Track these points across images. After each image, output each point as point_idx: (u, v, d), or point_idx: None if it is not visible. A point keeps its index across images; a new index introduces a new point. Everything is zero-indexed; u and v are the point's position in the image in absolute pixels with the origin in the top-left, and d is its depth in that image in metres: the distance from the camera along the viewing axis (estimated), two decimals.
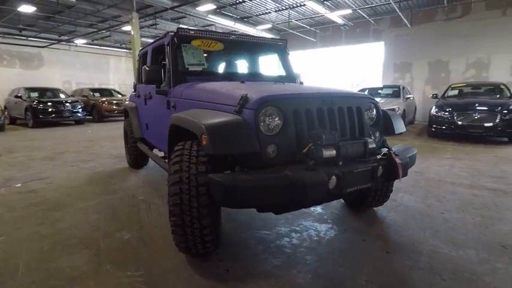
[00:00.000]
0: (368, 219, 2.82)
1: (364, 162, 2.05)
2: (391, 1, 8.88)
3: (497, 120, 6.40)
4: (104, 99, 13.21)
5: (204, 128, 1.75)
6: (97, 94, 14.01)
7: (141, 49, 4.36)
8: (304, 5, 10.13)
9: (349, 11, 11.02)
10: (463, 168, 4.62)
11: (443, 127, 7.09)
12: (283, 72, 3.67)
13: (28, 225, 2.72)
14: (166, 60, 2.99)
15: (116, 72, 18.66)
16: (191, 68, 3.08)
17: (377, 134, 2.44)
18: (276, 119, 1.94)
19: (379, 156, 2.16)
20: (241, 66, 3.82)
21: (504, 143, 6.81)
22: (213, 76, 3.20)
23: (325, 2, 10.58)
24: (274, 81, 3.44)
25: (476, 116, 6.65)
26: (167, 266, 2.05)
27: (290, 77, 3.59)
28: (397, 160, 2.13)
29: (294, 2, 10.59)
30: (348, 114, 2.24)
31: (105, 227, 2.69)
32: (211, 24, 13.51)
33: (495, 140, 7.15)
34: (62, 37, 15.08)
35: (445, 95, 8.44)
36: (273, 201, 1.74)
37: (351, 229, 2.61)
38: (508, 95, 7.63)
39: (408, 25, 11.51)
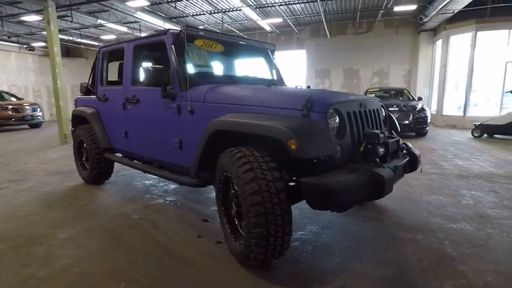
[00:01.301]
0: (372, 208, 3.16)
1: (398, 157, 2.34)
2: (321, 14, 9.92)
3: (411, 119, 7.91)
4: None
5: (291, 132, 1.71)
6: None
7: (106, 46, 3.77)
8: (240, 9, 10.34)
9: (279, 20, 11.76)
10: None
11: None
12: (273, 75, 3.75)
13: (9, 270, 2.08)
14: (173, 59, 2.70)
15: (3, 71, 15.15)
16: (198, 69, 2.88)
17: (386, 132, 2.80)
18: (337, 120, 2.04)
19: (404, 151, 2.49)
20: (238, 68, 3.73)
21: (413, 137, 8.43)
22: (221, 79, 3.05)
23: (257, 9, 11.03)
24: (271, 84, 3.49)
25: (396, 115, 8.04)
26: (238, 284, 1.90)
27: (281, 80, 3.70)
28: (416, 153, 2.51)
29: (229, 7, 10.71)
30: (373, 115, 2.50)
31: (122, 254, 2.27)
32: (136, 22, 12.41)
33: (404, 134, 8.76)
34: None
35: None
36: (359, 199, 1.84)
37: (368, 219, 2.90)
38: (410, 98, 9.49)
39: (328, 36, 13.01)
